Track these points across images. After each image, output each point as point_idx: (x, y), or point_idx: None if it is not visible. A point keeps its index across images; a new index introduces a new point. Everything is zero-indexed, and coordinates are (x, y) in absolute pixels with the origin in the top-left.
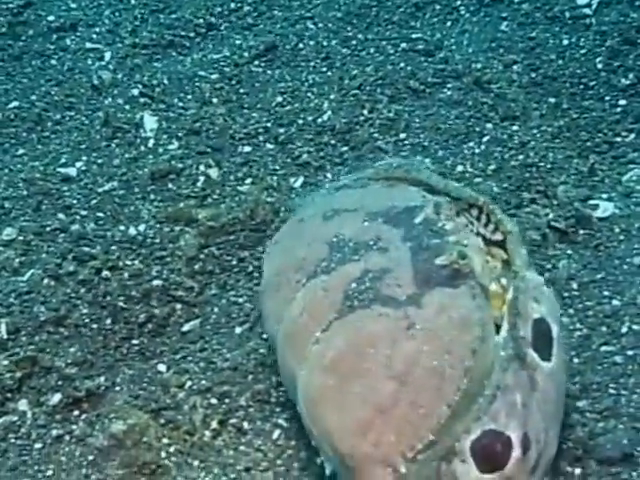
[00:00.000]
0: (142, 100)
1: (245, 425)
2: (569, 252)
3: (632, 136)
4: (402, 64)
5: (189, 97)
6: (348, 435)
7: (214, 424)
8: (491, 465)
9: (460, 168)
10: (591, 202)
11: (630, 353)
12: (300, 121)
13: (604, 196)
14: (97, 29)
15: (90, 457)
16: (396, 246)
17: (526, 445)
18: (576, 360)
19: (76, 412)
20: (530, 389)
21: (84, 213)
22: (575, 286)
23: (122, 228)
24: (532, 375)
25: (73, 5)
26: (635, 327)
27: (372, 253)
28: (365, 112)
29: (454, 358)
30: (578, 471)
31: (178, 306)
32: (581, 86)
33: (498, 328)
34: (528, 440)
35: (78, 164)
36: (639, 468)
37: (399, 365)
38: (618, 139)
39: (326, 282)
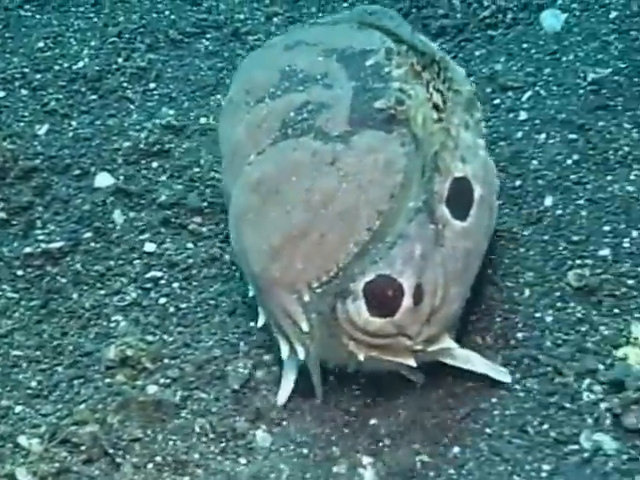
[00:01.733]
0: None
1: None
2: None
3: None
4: (167, 12)
5: None
6: (260, 257)
7: None
8: (381, 309)
9: (203, 120)
10: None
11: None
12: (57, 67)
13: None
14: None
15: None
16: (341, 84)
17: (419, 296)
18: None
19: None
20: (435, 243)
21: None
22: None
23: None
24: (440, 230)
25: None
26: None
27: (317, 87)
28: (120, 60)
29: (371, 199)
30: None
31: None
32: None
33: None
34: (421, 291)
35: None
36: None
37: (316, 197)
38: None
39: (269, 107)
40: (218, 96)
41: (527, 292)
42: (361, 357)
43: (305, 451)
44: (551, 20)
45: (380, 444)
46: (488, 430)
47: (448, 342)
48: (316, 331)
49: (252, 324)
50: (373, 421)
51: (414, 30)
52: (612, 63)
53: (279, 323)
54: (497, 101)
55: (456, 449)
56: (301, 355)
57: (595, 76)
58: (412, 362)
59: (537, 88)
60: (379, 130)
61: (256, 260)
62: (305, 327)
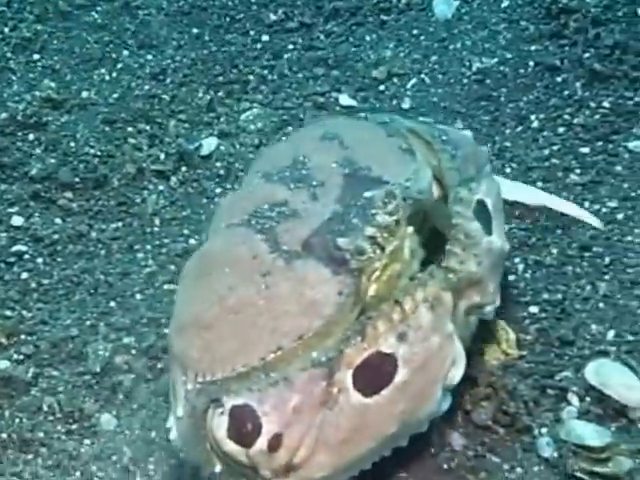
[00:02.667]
0: None
1: None
2: (161, 188)
3: (265, 71)
4: None
5: None
6: (172, 324)
7: None
8: (237, 436)
9: (85, 94)
10: (198, 138)
11: None
12: None
13: (215, 132)
14: None
15: None
16: (326, 202)
17: (275, 445)
18: (139, 296)
19: None
20: (320, 403)
21: None
22: (157, 222)
23: None
24: (333, 394)
25: None
26: None
27: (304, 192)
28: (6, 30)
29: (277, 331)
30: None
31: None
32: (228, 18)
33: None
34: (279, 442)
35: None
36: None
37: (231, 300)
38: (251, 77)
39: (257, 188)
40: (102, 70)
41: None
42: (217, 469)
43: (152, 435)
44: (443, 7)
45: None
46: None
47: None
48: (186, 421)
49: (113, 304)
50: None
51: (466, 183)
52: (499, 53)
53: (170, 392)
54: (382, 87)
55: None
56: (172, 435)
57: (480, 66)
58: None
59: (422, 76)
60: (325, 267)
61: (170, 327)
62: (179, 412)
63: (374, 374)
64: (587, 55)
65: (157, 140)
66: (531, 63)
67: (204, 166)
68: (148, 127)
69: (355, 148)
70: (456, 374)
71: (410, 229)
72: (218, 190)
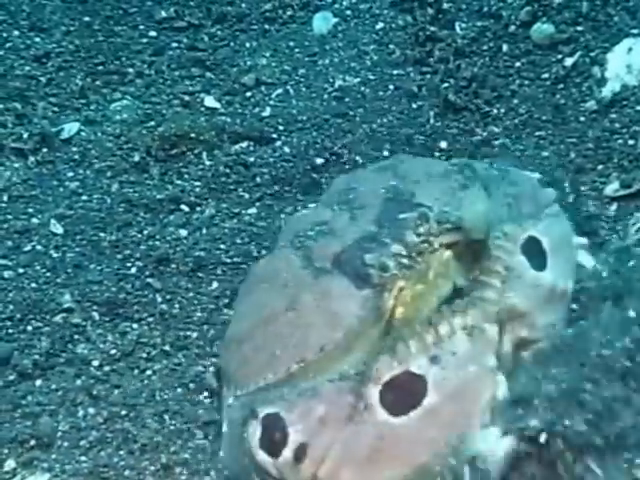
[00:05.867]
0: None
1: None
2: (17, 166)
3: (145, 66)
4: None
5: None
6: (222, 344)
7: None
8: (267, 447)
9: None
10: (63, 122)
11: None
12: None
13: (80, 119)
14: None
15: None
16: (362, 222)
17: (300, 455)
18: None
19: None
20: (346, 417)
21: None
22: (5, 198)
23: None
24: (359, 409)
25: None
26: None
27: (345, 214)
28: None
29: (302, 342)
30: None
31: None
32: (121, 11)
33: None
34: (304, 451)
35: None
36: None
37: (264, 314)
38: (130, 69)
39: (308, 211)
40: None
41: None
42: None
43: None
44: (320, 22)
45: None
46: None
47: None
48: (228, 436)
49: None
50: None
51: (516, 219)
52: (362, 73)
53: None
54: (248, 94)
55: None
56: (221, 452)
57: (342, 83)
58: None
59: (288, 87)
60: (350, 281)
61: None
62: (224, 427)
63: (402, 393)
64: (445, 85)
65: (25, 120)
66: (391, 87)
67: (63, 150)
68: (20, 106)
69: (406, 177)
70: None
71: (447, 254)
72: (70, 174)
